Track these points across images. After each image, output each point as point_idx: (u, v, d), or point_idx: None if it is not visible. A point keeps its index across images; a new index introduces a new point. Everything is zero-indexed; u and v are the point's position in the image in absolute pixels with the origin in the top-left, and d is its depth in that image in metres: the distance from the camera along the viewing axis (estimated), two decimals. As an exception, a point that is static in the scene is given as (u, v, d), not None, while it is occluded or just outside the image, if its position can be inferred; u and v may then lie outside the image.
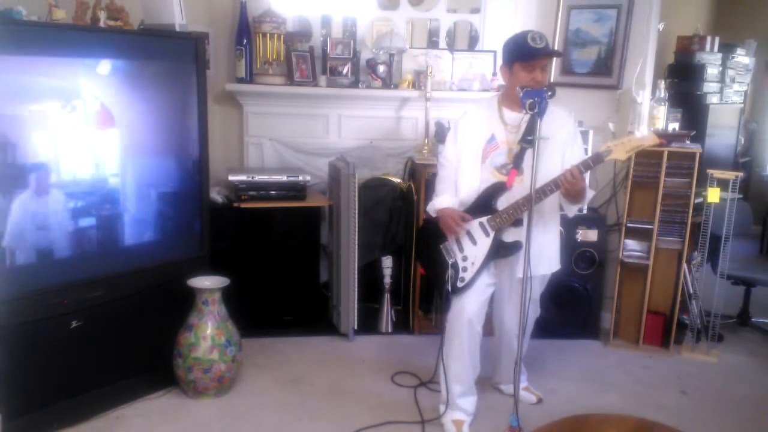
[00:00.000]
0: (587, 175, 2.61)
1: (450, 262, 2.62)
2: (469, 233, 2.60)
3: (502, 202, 2.55)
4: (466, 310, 2.62)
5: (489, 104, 2.68)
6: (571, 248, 3.59)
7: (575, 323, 3.70)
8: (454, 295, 2.63)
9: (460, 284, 2.61)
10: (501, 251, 2.59)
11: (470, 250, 2.61)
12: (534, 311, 2.80)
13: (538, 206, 2.49)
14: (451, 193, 2.66)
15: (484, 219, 2.58)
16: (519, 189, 2.51)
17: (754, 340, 3.88)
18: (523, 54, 2.46)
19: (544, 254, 2.64)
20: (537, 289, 2.76)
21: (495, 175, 2.58)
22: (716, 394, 3.16)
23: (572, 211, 2.68)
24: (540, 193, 2.44)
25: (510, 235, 2.59)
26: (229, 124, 3.89)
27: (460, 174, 2.64)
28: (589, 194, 2.59)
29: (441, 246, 2.66)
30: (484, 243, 2.59)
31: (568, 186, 2.43)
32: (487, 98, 2.84)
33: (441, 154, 2.77)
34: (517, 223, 2.54)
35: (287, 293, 3.60)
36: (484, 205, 2.58)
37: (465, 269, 2.61)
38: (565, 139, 2.59)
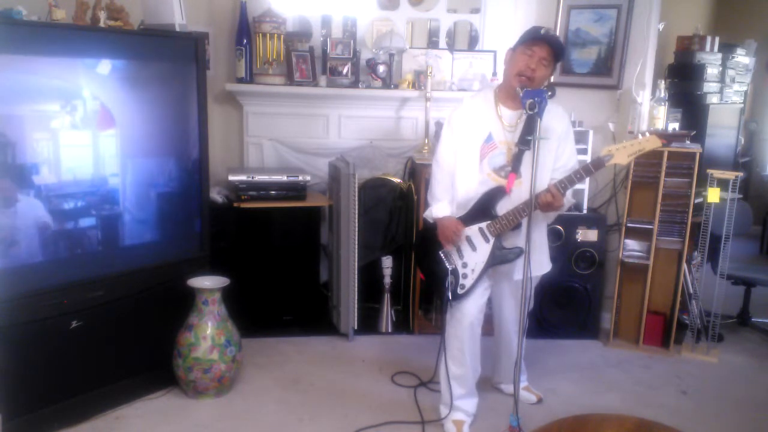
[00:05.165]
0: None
1: (450, 269, 2.61)
2: (468, 239, 2.58)
3: (502, 207, 2.53)
4: (466, 314, 2.62)
5: (485, 98, 2.63)
6: (571, 248, 3.59)
7: (575, 323, 3.70)
8: (455, 301, 2.62)
9: (460, 291, 2.60)
10: (501, 257, 2.57)
11: (470, 256, 2.59)
12: (528, 306, 2.79)
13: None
14: (448, 198, 2.63)
15: (483, 225, 2.55)
16: (517, 193, 2.49)
17: (754, 340, 3.88)
18: (527, 36, 2.48)
19: (535, 256, 2.59)
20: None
21: (492, 176, 2.55)
22: (716, 394, 3.16)
23: (550, 218, 2.68)
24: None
25: (509, 240, 2.57)
26: (229, 124, 3.89)
27: (457, 174, 2.60)
28: (567, 204, 2.57)
29: (441, 252, 2.63)
30: (484, 249, 2.57)
31: (546, 207, 2.44)
32: (483, 90, 2.78)
33: (437, 151, 2.70)
34: (515, 226, 2.52)
35: (287, 293, 3.60)
36: (483, 210, 2.55)
37: (465, 276, 2.59)
38: (560, 135, 2.58)
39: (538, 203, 2.42)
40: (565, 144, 2.61)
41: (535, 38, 2.46)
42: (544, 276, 2.78)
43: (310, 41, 3.89)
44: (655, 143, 2.40)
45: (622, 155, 2.42)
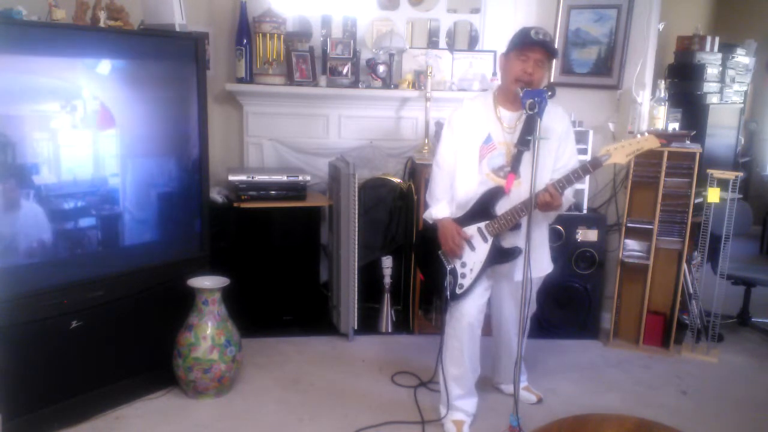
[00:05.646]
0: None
1: (448, 269, 2.61)
2: (467, 240, 2.59)
3: (500, 207, 2.53)
4: (466, 315, 2.61)
5: (484, 100, 2.64)
6: (571, 248, 3.59)
7: (575, 323, 3.70)
8: (452, 301, 2.62)
9: (458, 291, 2.60)
10: (500, 257, 2.56)
11: (469, 256, 2.59)
12: (531, 309, 2.79)
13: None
14: (448, 199, 2.63)
15: (482, 224, 2.55)
16: (516, 193, 2.49)
17: (754, 340, 3.88)
18: (519, 42, 2.48)
19: (535, 255, 2.57)
20: (533, 289, 2.75)
21: (491, 177, 2.55)
22: (716, 394, 3.16)
23: (550, 218, 2.68)
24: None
25: (508, 240, 2.57)
26: (229, 124, 3.89)
27: (457, 174, 2.60)
28: (566, 203, 2.56)
29: (439, 252, 2.64)
30: (483, 249, 2.57)
31: (545, 206, 2.43)
32: (483, 93, 2.80)
33: (437, 152, 2.70)
34: (515, 227, 2.52)
35: (287, 293, 3.60)
36: (482, 210, 2.55)
37: (464, 276, 2.59)
38: (560, 135, 2.58)
39: (536, 203, 2.43)
40: (566, 144, 2.61)
41: (527, 44, 2.45)
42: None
43: (310, 41, 3.89)
44: (653, 143, 2.40)
45: (620, 155, 2.42)
